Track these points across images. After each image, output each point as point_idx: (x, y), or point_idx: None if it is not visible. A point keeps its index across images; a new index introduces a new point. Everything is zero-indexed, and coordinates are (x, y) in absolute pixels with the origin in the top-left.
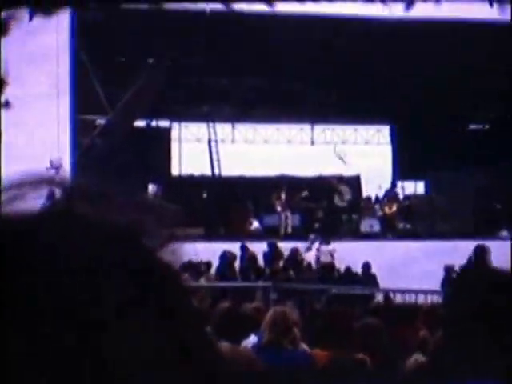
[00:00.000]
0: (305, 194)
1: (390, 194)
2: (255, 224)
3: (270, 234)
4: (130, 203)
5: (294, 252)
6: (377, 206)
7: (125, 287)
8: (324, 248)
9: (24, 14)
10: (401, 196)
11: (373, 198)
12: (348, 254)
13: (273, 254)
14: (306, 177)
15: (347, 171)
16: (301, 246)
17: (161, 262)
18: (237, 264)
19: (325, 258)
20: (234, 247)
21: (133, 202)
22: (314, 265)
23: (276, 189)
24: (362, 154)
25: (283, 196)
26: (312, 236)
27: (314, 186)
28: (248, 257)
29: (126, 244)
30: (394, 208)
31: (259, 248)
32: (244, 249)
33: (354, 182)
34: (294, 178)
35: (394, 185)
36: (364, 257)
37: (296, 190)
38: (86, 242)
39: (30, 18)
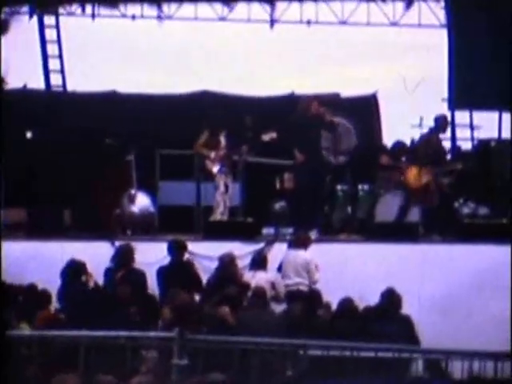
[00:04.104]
0: (270, 136)
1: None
2: (141, 200)
3: (174, 222)
4: None
5: (227, 265)
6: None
7: None
8: (295, 258)
9: None
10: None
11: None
12: (350, 270)
13: (180, 268)
14: (259, 97)
15: (350, 86)
16: (243, 251)
17: None
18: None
19: (296, 280)
20: (97, 252)
21: None
22: (270, 292)
23: (206, 124)
24: (382, 51)
25: (223, 140)
26: (269, 231)
27: (277, 116)
28: (121, 276)
29: None
30: (427, 176)
31: (151, 255)
32: (116, 257)
33: (363, 111)
34: (235, 99)
35: (441, 119)
36: (385, 277)
37: (247, 129)
38: None
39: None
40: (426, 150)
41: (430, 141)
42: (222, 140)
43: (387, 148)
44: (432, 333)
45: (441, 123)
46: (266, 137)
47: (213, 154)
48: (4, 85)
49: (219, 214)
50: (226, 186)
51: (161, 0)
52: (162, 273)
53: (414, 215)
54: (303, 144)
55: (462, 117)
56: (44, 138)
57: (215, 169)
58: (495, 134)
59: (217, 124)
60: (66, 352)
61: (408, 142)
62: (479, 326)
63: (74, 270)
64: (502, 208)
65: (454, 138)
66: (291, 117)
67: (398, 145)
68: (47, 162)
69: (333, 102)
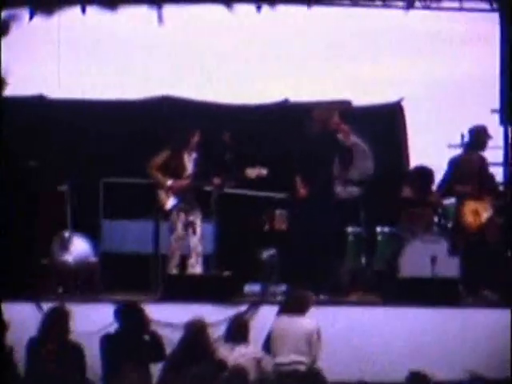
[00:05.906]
0: (258, 172)
1: (467, 163)
2: (78, 246)
3: (123, 277)
4: None
5: (196, 335)
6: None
7: None
8: (292, 327)
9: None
10: None
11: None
12: (363, 343)
13: (132, 340)
14: (243, 105)
15: (365, 90)
16: (218, 317)
17: None
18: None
19: (293, 357)
20: (18, 317)
21: None
22: (253, 373)
23: (169, 140)
24: (408, 44)
25: (189, 165)
26: (254, 289)
27: (266, 131)
28: (51, 350)
29: None
30: (488, 212)
31: (92, 321)
32: (44, 325)
33: (383, 125)
34: (208, 108)
35: (476, 132)
36: (411, 354)
37: (225, 148)
38: None
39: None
40: (465, 175)
41: (468, 162)
42: (189, 164)
43: (413, 176)
44: None
45: (478, 138)
46: (253, 173)
47: (170, 182)
48: (4, 85)
49: (173, 268)
50: (187, 228)
51: None
52: (108, 346)
53: (453, 269)
54: (309, 171)
55: None
56: None
57: (170, 203)
58: None
59: (183, 141)
60: None
61: (441, 167)
62: None
63: None
64: None
65: (506, 162)
66: (303, 130)
67: (424, 171)
68: None
69: (341, 111)
